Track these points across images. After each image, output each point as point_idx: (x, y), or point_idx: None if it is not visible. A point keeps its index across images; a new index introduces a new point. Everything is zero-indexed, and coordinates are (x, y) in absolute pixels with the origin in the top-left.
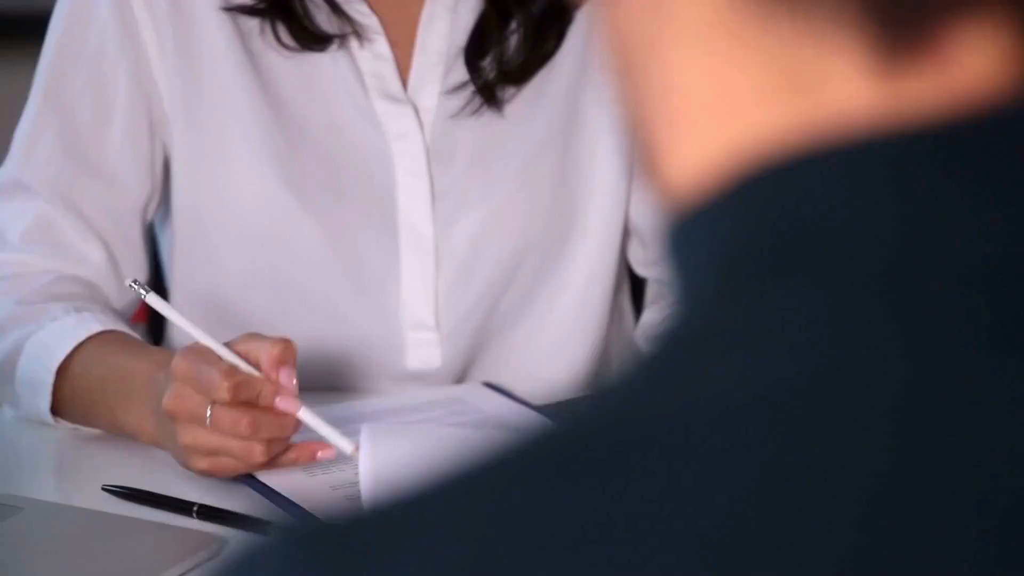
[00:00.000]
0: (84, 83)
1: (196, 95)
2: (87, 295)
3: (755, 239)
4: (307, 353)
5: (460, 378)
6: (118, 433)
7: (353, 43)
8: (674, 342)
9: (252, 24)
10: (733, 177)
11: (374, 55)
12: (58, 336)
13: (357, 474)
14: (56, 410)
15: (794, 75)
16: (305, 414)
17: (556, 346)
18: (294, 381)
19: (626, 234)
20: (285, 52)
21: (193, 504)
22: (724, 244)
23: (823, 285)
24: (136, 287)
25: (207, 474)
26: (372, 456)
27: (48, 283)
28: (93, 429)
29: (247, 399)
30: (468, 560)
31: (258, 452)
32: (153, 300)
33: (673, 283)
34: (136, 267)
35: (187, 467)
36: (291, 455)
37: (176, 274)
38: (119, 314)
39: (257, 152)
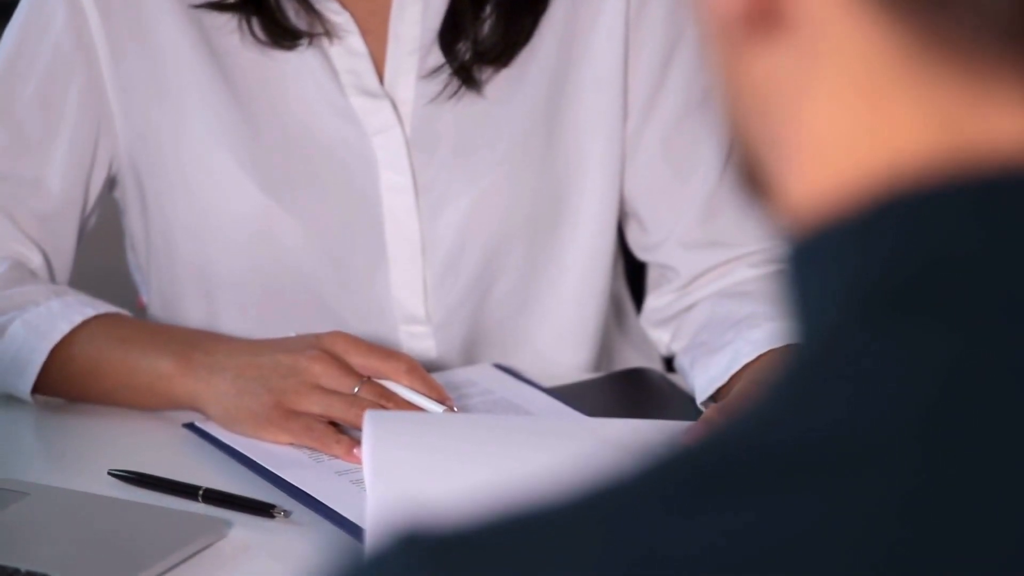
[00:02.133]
0: (33, 98)
1: (162, 104)
2: (49, 284)
3: (890, 267)
4: None
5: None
6: (122, 390)
7: (324, 40)
8: (799, 370)
9: (217, 23)
10: (868, 201)
11: (348, 52)
12: (47, 319)
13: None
14: (36, 388)
15: (944, 108)
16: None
17: (553, 333)
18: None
19: (623, 217)
20: (254, 51)
21: (199, 488)
22: (855, 269)
23: (964, 325)
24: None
25: (282, 426)
26: (375, 443)
27: (8, 269)
28: (76, 402)
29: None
30: None
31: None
32: None
33: (792, 302)
34: (63, 277)
35: (242, 416)
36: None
37: (161, 285)
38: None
39: (230, 157)
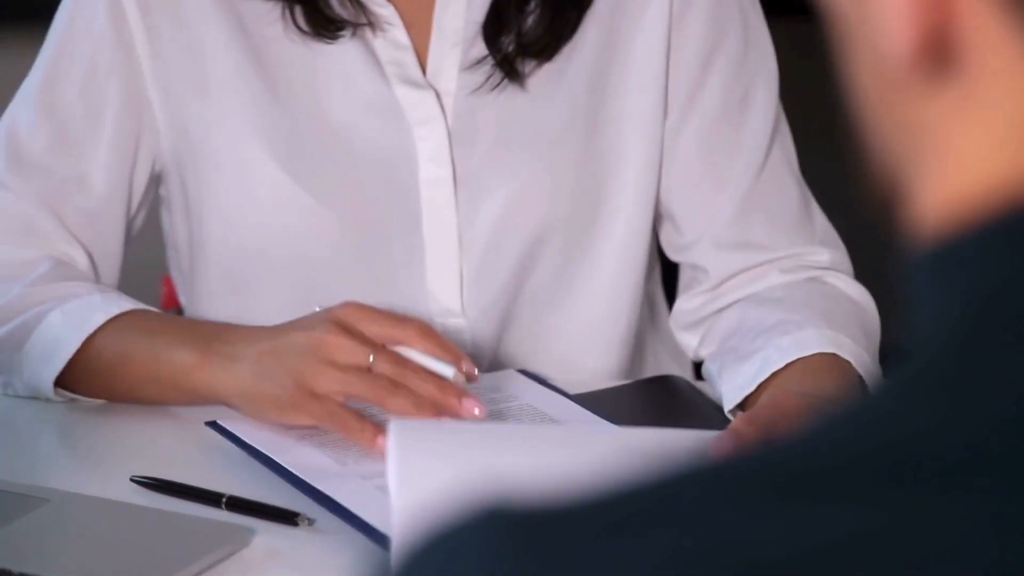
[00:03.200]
0: (77, 94)
1: (201, 97)
2: (92, 281)
3: (1007, 284)
4: None
5: (490, 366)
6: (147, 384)
7: (367, 32)
8: (903, 380)
9: (257, 13)
10: (998, 215)
11: (392, 43)
12: (86, 310)
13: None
14: (60, 382)
15: None
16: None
17: (586, 331)
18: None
19: (658, 218)
20: (294, 42)
21: (222, 495)
22: (973, 284)
23: None
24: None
25: (305, 408)
26: (400, 452)
27: (52, 267)
28: (95, 400)
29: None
30: None
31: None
32: None
33: (917, 311)
34: (111, 278)
35: (265, 402)
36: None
37: (199, 283)
38: None
39: (265, 148)
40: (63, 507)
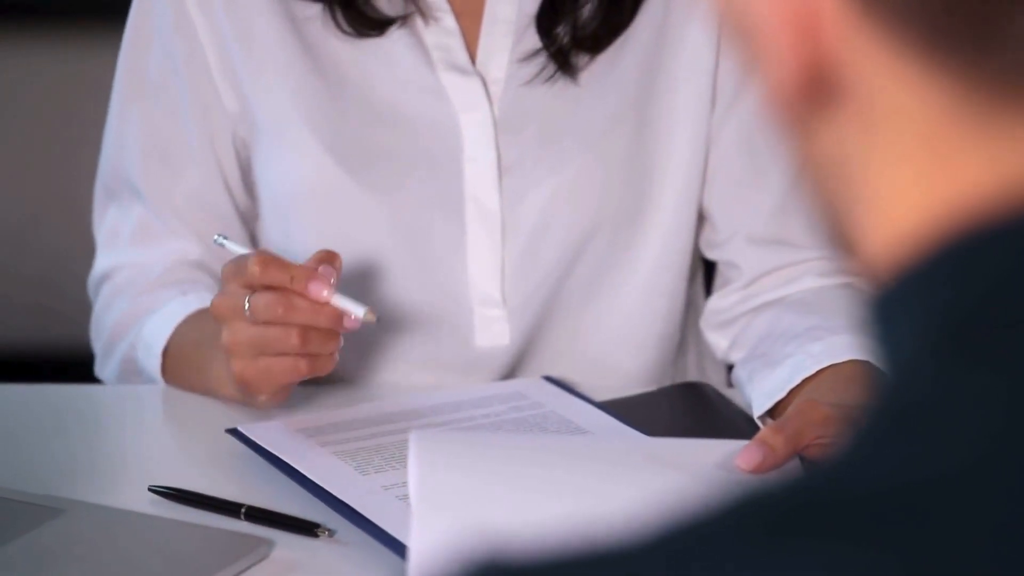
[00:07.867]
0: (156, 76)
1: (255, 85)
2: (196, 278)
3: (952, 312)
4: (374, 331)
5: (527, 357)
6: (208, 392)
7: (417, 20)
8: (885, 416)
9: (308, 11)
10: (934, 248)
11: (440, 29)
12: (160, 324)
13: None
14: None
15: (1004, 149)
16: (338, 299)
17: (623, 329)
18: (332, 278)
19: (700, 219)
20: (344, 35)
21: (241, 506)
22: (923, 318)
23: (1016, 366)
24: (219, 239)
25: (247, 387)
26: (420, 464)
27: (161, 273)
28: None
29: (280, 283)
30: None
31: (294, 337)
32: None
33: (878, 350)
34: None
35: (234, 384)
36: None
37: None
38: None
39: (312, 131)
40: (79, 518)
